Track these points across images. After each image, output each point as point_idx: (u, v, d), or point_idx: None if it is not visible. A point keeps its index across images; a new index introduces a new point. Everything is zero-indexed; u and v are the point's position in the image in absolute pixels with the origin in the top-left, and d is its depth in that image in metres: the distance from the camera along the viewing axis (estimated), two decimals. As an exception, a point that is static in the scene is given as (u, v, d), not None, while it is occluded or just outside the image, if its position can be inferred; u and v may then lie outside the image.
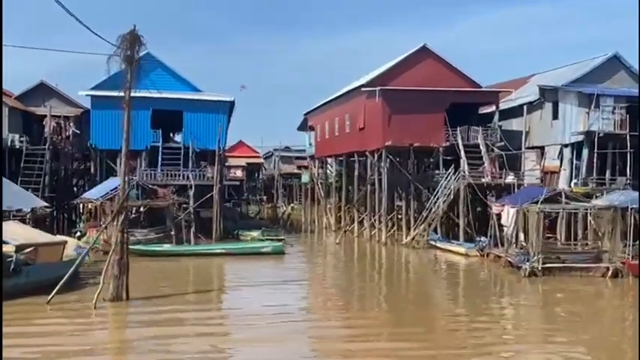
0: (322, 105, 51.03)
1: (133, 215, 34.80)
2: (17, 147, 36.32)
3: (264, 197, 70.68)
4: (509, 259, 27.01)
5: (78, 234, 29.72)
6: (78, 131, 43.56)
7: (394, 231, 38.52)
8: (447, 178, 35.91)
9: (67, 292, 19.10)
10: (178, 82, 43.59)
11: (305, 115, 57.40)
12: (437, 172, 38.41)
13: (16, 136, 36.42)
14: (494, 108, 39.69)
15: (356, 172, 43.65)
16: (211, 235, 35.91)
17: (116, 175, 40.74)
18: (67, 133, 38.71)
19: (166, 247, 30.94)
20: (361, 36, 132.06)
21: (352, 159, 47.60)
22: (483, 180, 35.87)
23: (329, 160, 53.36)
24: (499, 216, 29.48)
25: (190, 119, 42.02)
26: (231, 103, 42.60)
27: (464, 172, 35.44)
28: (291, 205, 63.26)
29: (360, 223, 43.12)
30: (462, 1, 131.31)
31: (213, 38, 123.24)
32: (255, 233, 37.10)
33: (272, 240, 34.96)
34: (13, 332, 14.95)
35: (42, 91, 42.66)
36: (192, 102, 41.99)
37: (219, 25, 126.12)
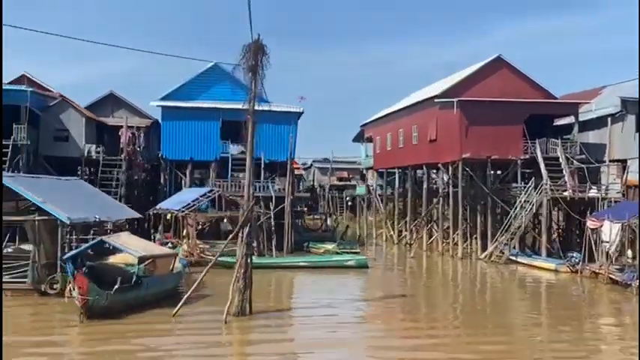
0: (384, 116, 50.49)
1: (204, 226, 34.75)
2: (94, 157, 36.41)
3: (305, 209, 70.22)
4: (612, 276, 26.01)
5: (169, 245, 29.40)
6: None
7: (466, 245, 37.67)
8: (527, 191, 35.06)
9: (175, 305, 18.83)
10: (246, 93, 43.31)
11: (362, 126, 56.89)
12: (514, 185, 37.55)
13: (93, 147, 36.50)
14: (569, 119, 38.80)
15: (425, 185, 42.91)
16: (280, 247, 35.49)
17: (186, 186, 40.84)
18: (140, 144, 38.70)
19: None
20: (385, 48, 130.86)
21: (419, 171, 47.12)
22: (565, 194, 34.87)
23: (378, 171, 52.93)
24: (594, 231, 28.53)
25: (259, 130, 41.67)
26: (300, 114, 42.30)
27: (546, 185, 34.50)
28: (334, 216, 62.44)
29: (429, 236, 42.41)
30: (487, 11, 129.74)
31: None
32: (330, 246, 36.49)
33: (348, 253, 34.39)
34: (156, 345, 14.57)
35: (111, 102, 42.89)
36: (261, 113, 41.67)
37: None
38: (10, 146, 32.64)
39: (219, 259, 29.17)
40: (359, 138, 59.54)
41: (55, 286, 20.57)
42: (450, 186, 38.28)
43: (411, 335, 17.59)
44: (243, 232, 18.72)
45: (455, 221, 37.88)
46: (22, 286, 20.82)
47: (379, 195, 53.16)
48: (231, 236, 19.56)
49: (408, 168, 46.32)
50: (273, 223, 34.43)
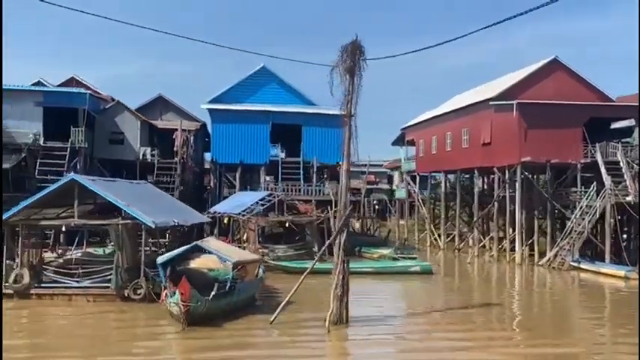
0: (428, 119, 49.88)
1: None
2: (149, 160, 36.20)
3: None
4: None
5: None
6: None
7: (523, 250, 36.89)
8: (588, 196, 34.30)
9: (257, 311, 18.29)
10: (293, 96, 43.19)
11: (402, 129, 56.29)
12: (573, 189, 36.78)
13: (148, 150, 36.31)
14: (626, 122, 37.96)
15: (476, 189, 42.23)
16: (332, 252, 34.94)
17: (234, 189, 40.51)
18: (191, 147, 38.47)
19: (310, 264, 29.90)
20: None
21: (465, 175, 46.52)
22: (629, 198, 34.03)
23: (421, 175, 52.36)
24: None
25: (309, 133, 41.49)
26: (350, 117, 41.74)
27: (610, 190, 33.70)
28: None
29: (479, 241, 41.71)
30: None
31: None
32: (385, 251, 35.89)
33: (406, 258, 33.80)
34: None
35: (159, 104, 42.78)
36: (311, 116, 41.48)
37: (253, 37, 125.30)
38: (68, 149, 32.48)
39: (280, 263, 29.07)
40: (398, 141, 58.92)
41: (138, 291, 20.23)
42: (507, 190, 37.56)
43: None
44: (340, 238, 18.18)
45: (511, 226, 37.16)
46: (104, 291, 20.50)
47: (421, 199, 52.42)
48: (329, 241, 19.02)
49: (457, 172, 45.69)
50: (334, 228, 33.78)
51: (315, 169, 39.60)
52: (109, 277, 20.79)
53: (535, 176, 37.97)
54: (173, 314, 17.30)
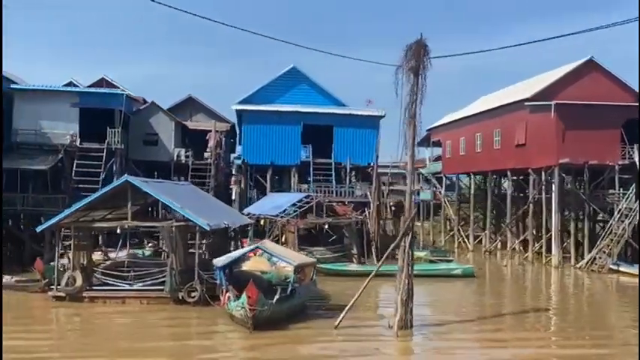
0: (456, 120, 49.50)
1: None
2: (183, 162, 36.01)
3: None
4: None
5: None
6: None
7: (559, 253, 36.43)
8: (627, 198, 33.84)
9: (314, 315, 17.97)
10: (323, 97, 42.83)
11: (428, 130, 55.86)
12: (611, 191, 36.31)
13: (182, 151, 36.13)
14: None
15: (509, 191, 41.77)
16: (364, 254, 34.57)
17: (264, 191, 40.23)
18: (223, 148, 38.25)
19: (352, 266, 29.67)
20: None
21: (494, 177, 46.08)
22: (668, 201, 33.52)
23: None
24: None
25: (340, 134, 41.13)
26: (381, 117, 41.46)
27: (651, 192, 33.22)
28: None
29: (511, 243, 41.27)
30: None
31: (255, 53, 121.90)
32: (421, 254, 35.45)
33: (442, 261, 33.43)
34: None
35: (189, 105, 42.57)
36: (343, 117, 41.14)
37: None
38: (105, 150, 32.31)
39: (320, 265, 28.66)
40: (423, 142, 58.48)
41: (193, 294, 19.97)
42: (543, 192, 37.11)
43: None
44: (405, 241, 17.86)
45: (548, 229, 36.70)
46: (157, 294, 20.26)
47: (447, 200, 52.03)
48: (393, 245, 18.68)
49: (488, 173, 45.28)
50: (373, 230, 33.56)
51: (348, 170, 39.21)
52: (161, 279, 20.58)
53: (572, 178, 37.51)
54: (235, 318, 17.04)
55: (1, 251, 25.92)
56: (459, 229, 49.05)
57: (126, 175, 20.50)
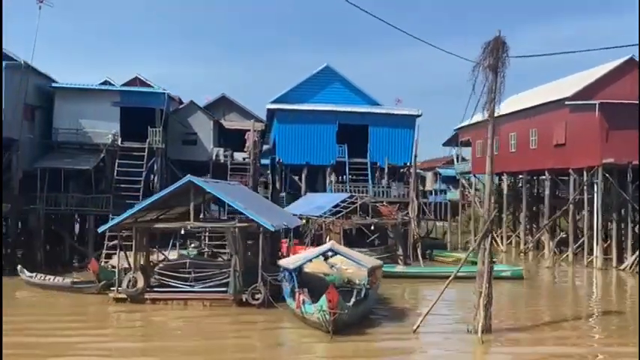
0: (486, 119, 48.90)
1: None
2: (222, 161, 35.70)
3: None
4: None
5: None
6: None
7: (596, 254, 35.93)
8: (673, 198, 33.34)
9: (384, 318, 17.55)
10: (357, 96, 42.47)
11: (456, 130, 55.39)
12: (654, 191, 35.74)
13: (221, 150, 35.81)
14: None
15: (547, 191, 41.25)
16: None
17: (299, 190, 39.86)
18: (260, 148, 37.89)
19: (399, 268, 29.29)
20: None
21: (524, 177, 45.57)
22: None
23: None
24: None
25: (376, 134, 40.74)
26: (417, 117, 41.03)
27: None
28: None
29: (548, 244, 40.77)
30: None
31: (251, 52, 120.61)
32: (462, 255, 34.96)
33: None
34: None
35: (223, 104, 42.27)
36: (378, 116, 40.77)
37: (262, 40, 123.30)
38: (146, 149, 32.01)
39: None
40: (451, 142, 58.06)
41: (256, 296, 19.63)
42: (585, 192, 36.59)
43: None
44: (484, 243, 17.45)
45: (589, 230, 36.18)
46: (220, 295, 19.93)
47: (477, 200, 51.51)
48: (472, 248, 18.26)
49: (523, 173, 44.78)
50: (416, 231, 33.13)
51: (386, 170, 38.79)
52: (222, 281, 20.25)
53: (615, 178, 36.97)
54: (309, 321, 16.66)
55: (1, 250, 25.76)
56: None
57: (189, 175, 20.12)
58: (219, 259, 24.01)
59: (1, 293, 18.24)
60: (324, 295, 15.73)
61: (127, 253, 20.93)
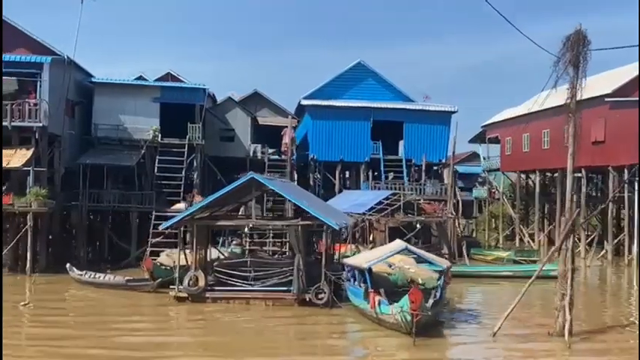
0: (519, 116, 48.43)
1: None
2: (259, 158, 35.37)
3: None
4: None
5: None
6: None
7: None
8: None
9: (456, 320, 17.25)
10: (391, 92, 42.08)
11: (483, 127, 54.89)
12: (697, 190, 35.22)
13: (258, 147, 35.48)
14: None
15: (584, 189, 40.72)
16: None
17: (333, 187, 39.49)
18: (295, 144, 37.53)
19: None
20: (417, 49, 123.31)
21: (559, 175, 45.02)
22: None
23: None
24: None
25: (411, 130, 40.33)
26: (453, 114, 40.59)
27: None
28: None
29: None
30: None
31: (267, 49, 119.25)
32: (504, 253, 34.64)
33: (527, 261, 32.53)
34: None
35: (255, 100, 41.83)
36: (413, 112, 40.34)
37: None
38: (186, 146, 31.69)
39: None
40: (477, 139, 57.54)
41: (320, 296, 19.30)
42: (626, 190, 36.13)
43: None
44: (566, 243, 17.05)
45: (630, 228, 35.75)
46: (283, 295, 19.58)
47: (506, 198, 51.11)
48: (555, 247, 17.88)
49: (557, 171, 44.25)
50: (460, 229, 32.71)
51: (423, 167, 38.39)
52: (283, 280, 19.92)
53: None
54: (388, 322, 16.28)
55: (1, 249, 25.53)
56: (520, 228, 48.14)
57: (251, 172, 19.80)
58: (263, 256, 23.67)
59: (1, 292, 17.93)
60: (405, 296, 15.37)
61: (185, 250, 20.60)
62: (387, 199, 30.95)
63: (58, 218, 28.92)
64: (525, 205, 50.38)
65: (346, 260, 19.98)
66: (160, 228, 21.06)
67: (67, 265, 24.73)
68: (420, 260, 18.38)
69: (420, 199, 32.75)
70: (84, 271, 24.22)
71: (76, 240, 28.81)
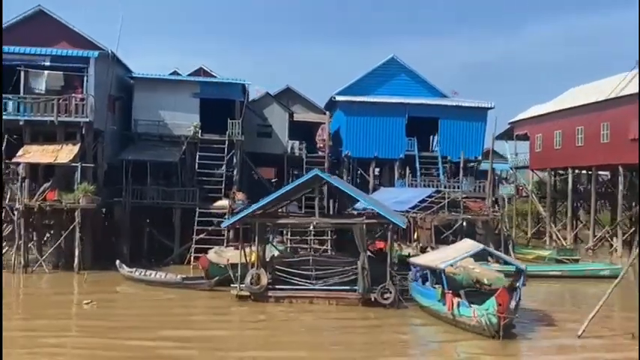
0: (550, 113, 47.91)
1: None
2: (297, 154, 34.97)
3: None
4: None
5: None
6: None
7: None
8: None
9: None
10: (424, 88, 41.55)
11: (511, 123, 54.33)
12: None
13: (296, 143, 35.07)
14: None
15: (621, 187, 40.23)
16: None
17: (367, 184, 39.06)
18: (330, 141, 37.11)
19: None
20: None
21: (593, 172, 44.57)
22: None
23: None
24: None
25: (446, 127, 39.85)
26: (489, 110, 40.07)
27: None
28: None
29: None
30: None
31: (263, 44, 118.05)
32: (545, 252, 34.17)
33: (570, 260, 32.10)
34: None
35: (287, 96, 41.43)
36: (449, 108, 39.84)
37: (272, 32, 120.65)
38: (226, 142, 31.31)
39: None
40: (503, 136, 56.94)
41: (386, 296, 18.92)
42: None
43: None
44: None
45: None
46: (347, 294, 19.21)
47: (536, 195, 50.60)
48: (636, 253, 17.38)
49: (592, 168, 43.73)
50: (506, 227, 32.25)
51: (461, 165, 37.88)
52: (345, 279, 19.54)
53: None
54: (468, 325, 15.87)
55: (1, 248, 25.46)
56: (550, 226, 47.64)
57: (316, 169, 19.41)
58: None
59: (1, 291, 17.65)
60: (492, 298, 14.96)
61: (243, 247, 20.21)
62: (430, 196, 30.53)
63: (100, 214, 28.60)
64: (553, 203, 49.86)
65: (414, 260, 19.59)
66: (222, 225, 20.65)
67: (117, 262, 24.41)
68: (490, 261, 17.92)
69: (465, 197, 32.16)
70: (133, 269, 23.90)
71: (119, 237, 28.44)
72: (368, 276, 19.03)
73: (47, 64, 26.21)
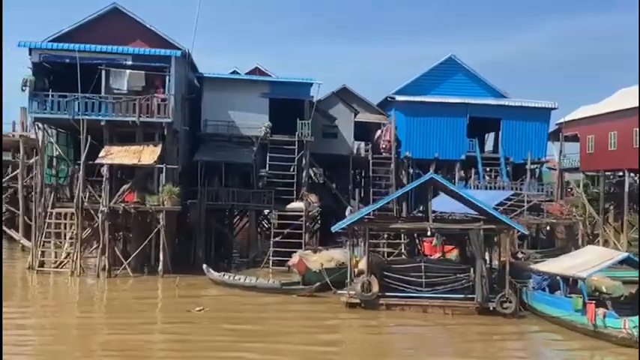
0: (604, 114, 46.99)
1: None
2: (363, 156, 34.29)
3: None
4: None
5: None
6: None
7: None
8: None
9: None
10: (482, 88, 40.71)
11: (558, 124, 53.38)
12: None
13: (362, 145, 34.40)
14: None
15: (685, 189, 39.36)
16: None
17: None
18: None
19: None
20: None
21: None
22: None
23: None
24: None
25: (508, 127, 39.06)
26: (553, 110, 39.33)
27: None
28: None
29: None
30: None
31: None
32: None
33: None
34: None
35: (343, 96, 40.66)
36: (511, 109, 39.06)
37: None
38: (296, 142, 30.68)
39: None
40: (551, 136, 56.01)
41: (505, 305, 18.22)
42: None
43: None
44: None
45: None
46: (464, 303, 18.53)
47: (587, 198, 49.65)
48: None
49: (651, 170, 42.83)
50: (588, 232, 31.47)
51: (528, 167, 37.14)
52: (457, 286, 18.86)
53: None
54: (615, 337, 15.13)
55: (1, 246, 25.32)
56: (604, 229, 46.69)
57: (431, 172, 18.73)
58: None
59: (1, 290, 17.19)
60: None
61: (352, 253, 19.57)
62: (508, 199, 29.75)
63: (176, 217, 28.04)
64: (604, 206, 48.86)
65: (541, 267, 18.86)
66: (333, 229, 19.96)
67: (204, 266, 23.85)
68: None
69: (549, 201, 31.36)
70: (221, 273, 23.31)
71: (196, 239, 27.84)
72: (487, 284, 18.34)
73: (129, 63, 25.58)
